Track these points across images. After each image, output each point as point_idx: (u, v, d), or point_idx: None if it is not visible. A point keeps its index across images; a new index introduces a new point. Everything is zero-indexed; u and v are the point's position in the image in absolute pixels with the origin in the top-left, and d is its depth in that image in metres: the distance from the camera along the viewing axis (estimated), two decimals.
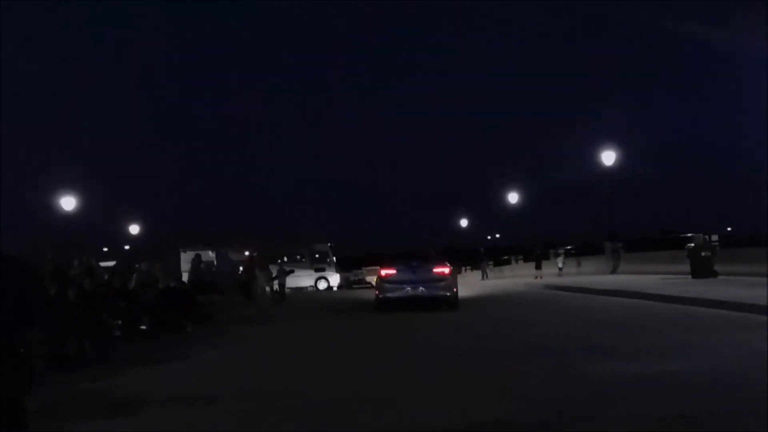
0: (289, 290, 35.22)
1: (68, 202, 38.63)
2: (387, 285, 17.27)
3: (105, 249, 62.51)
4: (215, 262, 21.86)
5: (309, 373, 8.25)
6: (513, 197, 46.00)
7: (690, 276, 21.51)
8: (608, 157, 32.74)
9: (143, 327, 13.90)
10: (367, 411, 6.12)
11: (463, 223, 63.98)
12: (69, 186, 40.15)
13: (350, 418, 5.91)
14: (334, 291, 38.87)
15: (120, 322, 12.94)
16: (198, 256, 20.98)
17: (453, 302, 17.05)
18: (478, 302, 19.84)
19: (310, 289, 39.19)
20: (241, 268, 25.25)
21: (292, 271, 28.29)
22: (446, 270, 17.37)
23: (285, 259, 37.34)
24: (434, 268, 17.27)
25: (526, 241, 51.05)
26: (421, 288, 16.86)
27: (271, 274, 24.52)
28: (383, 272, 17.66)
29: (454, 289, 17.36)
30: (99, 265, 15.67)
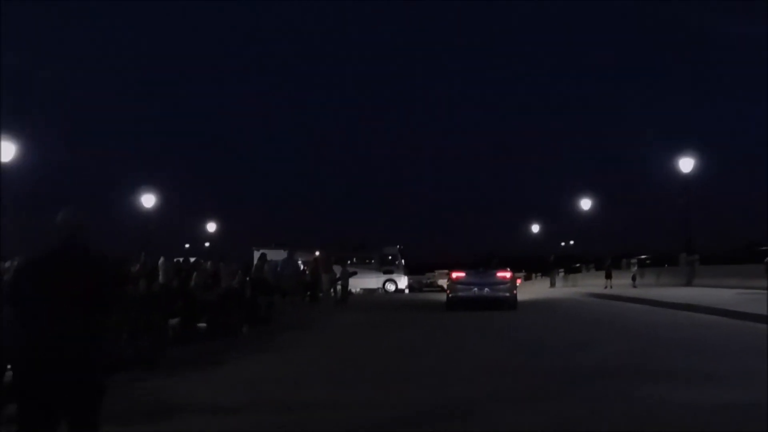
0: (361, 291, 35.59)
1: (148, 200, 39.97)
2: (457, 286, 20.21)
3: (186, 246, 64.63)
4: (279, 262, 22.07)
5: (350, 386, 8.22)
6: (585, 204, 44.97)
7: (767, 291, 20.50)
8: (686, 164, 31.57)
9: (202, 324, 14.26)
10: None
11: (535, 229, 62.86)
12: (151, 184, 41.55)
13: None
14: (405, 294, 38.99)
15: (177, 320, 13.34)
16: (263, 255, 21.14)
17: (512, 303, 19.70)
18: (537, 309, 21.07)
19: (380, 291, 39.45)
20: (305, 270, 25.55)
21: (354, 273, 28.44)
22: (507, 275, 20.24)
23: (354, 260, 37.68)
24: (497, 273, 20.14)
25: (600, 249, 49.80)
26: (486, 289, 19.73)
27: (335, 276, 24.71)
28: (454, 275, 20.55)
29: (514, 291, 20.22)
30: (169, 263, 16.06)
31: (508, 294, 19.77)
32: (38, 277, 3.86)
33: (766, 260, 22.51)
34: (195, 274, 15.04)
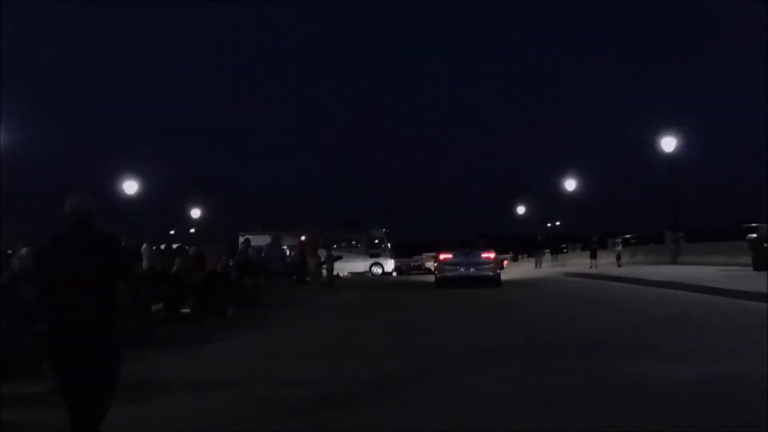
0: (348, 275, 35.71)
1: (130, 186, 39.68)
2: (445, 266, 21.54)
3: (171, 232, 64.32)
4: (264, 247, 22.08)
5: (334, 361, 8.27)
6: (570, 184, 45.10)
7: (752, 268, 20.66)
8: (668, 144, 31.65)
9: (186, 310, 14.22)
10: (376, 410, 6.01)
11: (521, 210, 63.13)
12: (136, 171, 41.24)
13: (358, 415, 5.83)
14: (393, 276, 39.20)
15: (162, 304, 13.29)
16: (247, 240, 21.33)
17: (496, 281, 21.12)
18: (523, 288, 21.32)
19: (367, 274, 39.57)
20: (291, 253, 25.56)
21: (340, 257, 28.52)
22: (492, 255, 21.55)
23: (342, 244, 37.78)
24: (482, 253, 21.40)
25: (587, 229, 50.11)
26: (471, 269, 20.99)
27: (321, 259, 24.73)
28: (442, 256, 21.90)
29: (498, 271, 21.89)
30: (152, 249, 15.96)
31: (491, 273, 21.19)
32: (59, 259, 4.34)
33: (747, 237, 22.67)
34: (178, 258, 14.97)
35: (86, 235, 4.39)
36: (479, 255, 21.27)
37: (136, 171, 41.42)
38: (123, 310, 4.39)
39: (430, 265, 42.31)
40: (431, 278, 24.82)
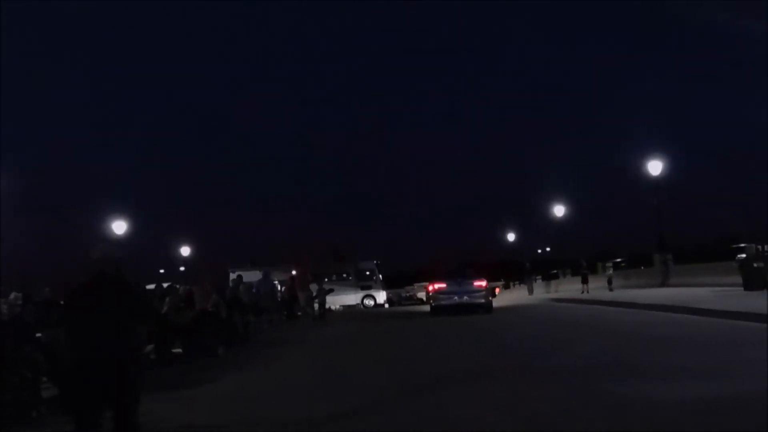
0: (340, 308, 35.63)
1: (119, 226, 39.54)
2: (439, 296, 22.45)
3: (161, 271, 63.89)
4: (254, 283, 22.02)
5: (324, 401, 8.14)
6: (559, 210, 45.36)
7: (742, 288, 20.72)
8: (655, 167, 31.86)
9: (178, 350, 14.07)
10: None
11: (511, 237, 63.28)
12: (122, 210, 41.17)
13: None
14: (385, 308, 39.07)
15: (152, 346, 13.15)
16: (239, 277, 21.31)
17: (488, 307, 22.12)
18: (516, 315, 21.31)
19: (359, 307, 39.42)
20: (282, 288, 25.48)
21: (331, 290, 28.44)
22: (483, 283, 22.61)
23: (333, 277, 37.70)
24: (474, 281, 22.35)
25: (576, 254, 50.15)
26: (465, 297, 21.89)
27: (312, 294, 24.63)
28: (436, 286, 22.85)
29: (490, 298, 23.11)
30: (144, 289, 15.83)
31: (483, 300, 22.17)
32: (85, 300, 4.87)
33: (737, 257, 22.76)
34: (168, 298, 14.84)
35: (109, 284, 4.90)
36: (472, 283, 22.15)
37: (125, 210, 41.45)
38: (143, 346, 4.89)
39: (422, 295, 42.26)
40: (424, 308, 25.47)
